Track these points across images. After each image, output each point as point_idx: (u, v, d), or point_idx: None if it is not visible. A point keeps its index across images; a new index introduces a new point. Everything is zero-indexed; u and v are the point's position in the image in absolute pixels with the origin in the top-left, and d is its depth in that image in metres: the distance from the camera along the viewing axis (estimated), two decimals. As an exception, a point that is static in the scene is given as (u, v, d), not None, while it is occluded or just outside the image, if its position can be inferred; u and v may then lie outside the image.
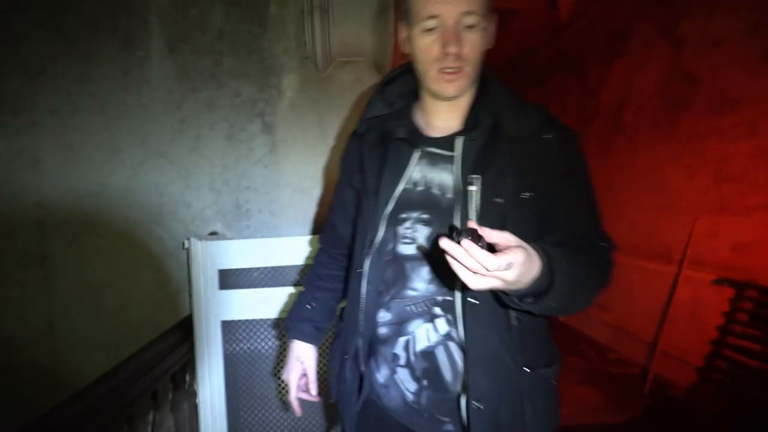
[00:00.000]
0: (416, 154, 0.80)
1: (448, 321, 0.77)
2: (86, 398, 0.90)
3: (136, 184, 1.57)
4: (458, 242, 0.53)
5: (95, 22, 1.52)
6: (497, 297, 0.70)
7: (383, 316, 0.81)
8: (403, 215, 0.79)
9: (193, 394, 1.33)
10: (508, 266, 0.55)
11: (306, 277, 1.03)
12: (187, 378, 1.33)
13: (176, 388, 1.25)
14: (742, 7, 2.24)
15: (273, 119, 1.59)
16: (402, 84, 0.87)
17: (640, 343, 2.98)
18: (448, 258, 0.56)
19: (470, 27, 0.72)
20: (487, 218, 0.71)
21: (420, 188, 0.79)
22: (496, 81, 0.81)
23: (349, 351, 0.84)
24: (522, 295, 0.63)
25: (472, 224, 0.56)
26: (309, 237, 1.38)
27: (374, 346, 0.83)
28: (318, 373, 0.97)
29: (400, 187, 0.79)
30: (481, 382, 0.72)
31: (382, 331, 0.82)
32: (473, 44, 0.73)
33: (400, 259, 0.79)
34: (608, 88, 3.42)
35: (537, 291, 0.62)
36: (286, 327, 0.98)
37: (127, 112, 1.55)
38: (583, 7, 3.44)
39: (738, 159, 2.30)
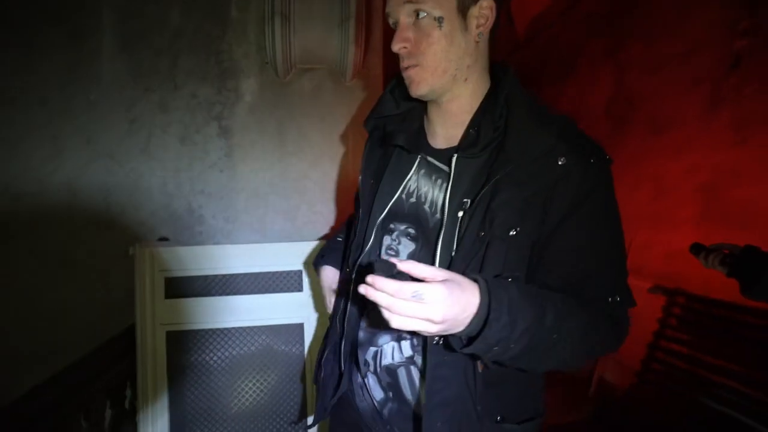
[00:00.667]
0: (416, 162, 0.75)
1: (413, 345, 0.75)
2: (6, 418, 0.84)
3: (79, 185, 1.48)
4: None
5: (41, 9, 1.43)
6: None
7: (364, 321, 0.82)
8: (392, 225, 0.77)
9: (133, 412, 1.26)
10: (416, 295, 0.48)
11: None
12: (128, 394, 1.25)
13: (114, 405, 1.18)
14: (678, 34, 2.46)
15: (230, 123, 1.55)
16: None
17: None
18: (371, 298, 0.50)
19: (418, 18, 0.66)
20: (467, 251, 0.64)
21: (412, 200, 0.75)
22: (510, 88, 0.69)
23: (330, 345, 0.86)
24: (464, 335, 0.55)
25: (394, 260, 0.51)
26: (264, 244, 1.36)
27: (355, 347, 0.83)
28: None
29: (396, 195, 0.76)
30: (438, 429, 0.66)
31: (361, 335, 0.82)
32: (424, 36, 0.66)
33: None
34: (561, 105, 3.62)
35: (470, 334, 0.54)
36: (321, 254, 0.99)
37: (73, 109, 1.46)
38: (539, 27, 3.63)
39: (671, 175, 2.51)
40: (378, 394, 0.80)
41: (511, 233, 0.63)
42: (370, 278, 0.48)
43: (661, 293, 2.38)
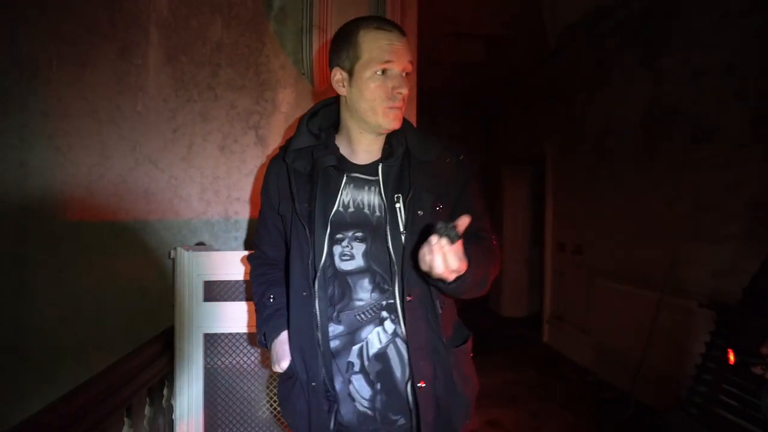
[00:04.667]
0: (344, 180, 0.90)
1: (392, 320, 0.89)
2: (57, 412, 0.87)
3: (123, 191, 1.55)
4: (445, 236, 0.69)
5: (94, 27, 1.53)
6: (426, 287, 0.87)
7: (333, 329, 0.89)
8: (339, 235, 0.89)
9: (170, 410, 1.29)
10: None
11: (254, 282, 1.04)
12: (165, 392, 1.29)
13: (153, 403, 1.21)
14: (716, 46, 2.37)
15: (267, 132, 1.60)
16: (323, 117, 0.98)
17: (621, 367, 3.01)
18: (431, 250, 0.70)
19: (408, 74, 0.88)
20: (413, 227, 0.86)
21: (351, 210, 0.90)
22: (403, 117, 0.95)
23: (316, 375, 0.87)
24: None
25: (460, 223, 0.71)
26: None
27: (328, 360, 0.88)
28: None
29: (334, 209, 0.88)
30: (421, 366, 0.85)
31: (334, 343, 0.89)
32: (408, 88, 0.89)
33: (342, 275, 0.89)
34: (592, 116, 3.54)
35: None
36: (263, 333, 0.98)
37: (120, 119, 1.55)
38: (570, 37, 3.58)
39: (713, 189, 2.39)
40: (366, 392, 0.88)
41: (437, 209, 0.88)
42: (435, 239, 0.69)
43: (710, 309, 2.25)
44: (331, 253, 0.88)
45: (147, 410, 1.18)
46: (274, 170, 0.97)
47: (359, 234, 0.89)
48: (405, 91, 0.87)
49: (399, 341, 0.89)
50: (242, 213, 1.59)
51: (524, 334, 4.53)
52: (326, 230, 0.87)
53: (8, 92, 1.49)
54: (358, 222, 0.89)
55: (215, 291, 1.33)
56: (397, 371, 0.89)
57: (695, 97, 2.52)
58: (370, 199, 0.90)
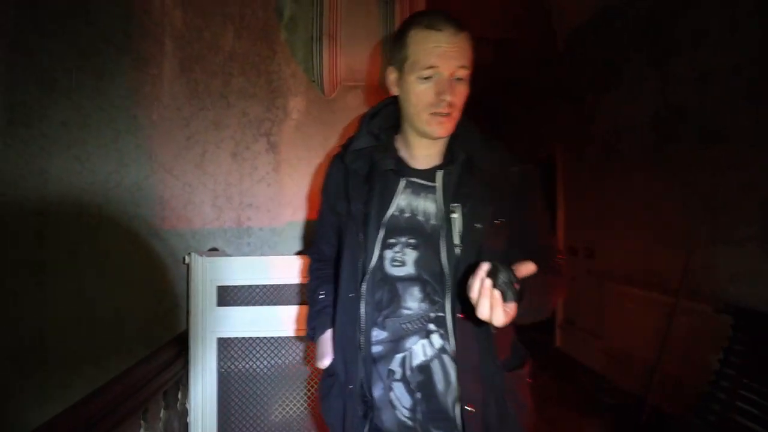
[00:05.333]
0: (402, 183, 0.87)
1: (441, 335, 0.84)
2: (75, 415, 0.89)
3: (139, 198, 1.59)
4: (497, 284, 0.63)
5: (110, 39, 1.57)
6: None
7: (377, 334, 0.86)
8: (392, 240, 0.86)
9: (185, 413, 1.31)
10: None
11: (309, 276, 1.06)
12: (179, 395, 1.31)
13: (168, 406, 1.23)
14: (724, 47, 2.35)
15: (278, 139, 1.62)
16: (384, 117, 0.94)
17: (636, 373, 2.96)
18: (479, 294, 0.65)
19: (460, 79, 0.82)
20: (467, 241, 0.82)
21: (406, 215, 0.86)
22: (468, 121, 0.90)
23: (354, 378, 0.86)
24: None
25: (521, 270, 0.66)
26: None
27: (368, 365, 0.86)
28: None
29: (389, 213, 0.86)
30: (471, 388, 0.81)
31: (377, 349, 0.86)
32: (462, 94, 0.83)
33: (392, 281, 0.86)
34: (602, 117, 3.51)
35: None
36: (312, 327, 1.00)
37: (136, 128, 1.58)
38: (578, 39, 3.57)
39: (727, 190, 2.35)
40: (406, 401, 0.85)
41: (497, 222, 0.83)
42: (487, 282, 0.65)
43: (727, 314, 2.21)
44: (381, 257, 0.85)
45: (162, 413, 1.20)
46: (333, 169, 0.96)
47: (412, 240, 0.86)
48: (450, 98, 0.80)
49: (446, 358, 0.84)
50: (254, 219, 1.62)
51: (536, 338, 4.49)
52: (379, 233, 0.85)
53: (29, 103, 1.54)
54: (412, 228, 0.86)
55: (229, 296, 1.35)
56: (440, 385, 0.85)
57: (702, 98, 2.49)
58: (426, 206, 0.86)
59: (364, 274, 0.84)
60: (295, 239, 1.62)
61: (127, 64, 1.58)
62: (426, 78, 0.81)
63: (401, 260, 0.86)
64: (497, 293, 0.64)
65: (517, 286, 0.64)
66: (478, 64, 0.87)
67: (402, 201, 0.87)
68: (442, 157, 0.89)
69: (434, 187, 0.86)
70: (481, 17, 3.40)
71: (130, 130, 1.58)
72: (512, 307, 0.66)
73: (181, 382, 1.32)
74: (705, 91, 2.47)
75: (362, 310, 0.84)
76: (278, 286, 1.36)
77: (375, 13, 1.47)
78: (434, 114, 0.82)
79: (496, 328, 0.78)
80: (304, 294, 1.36)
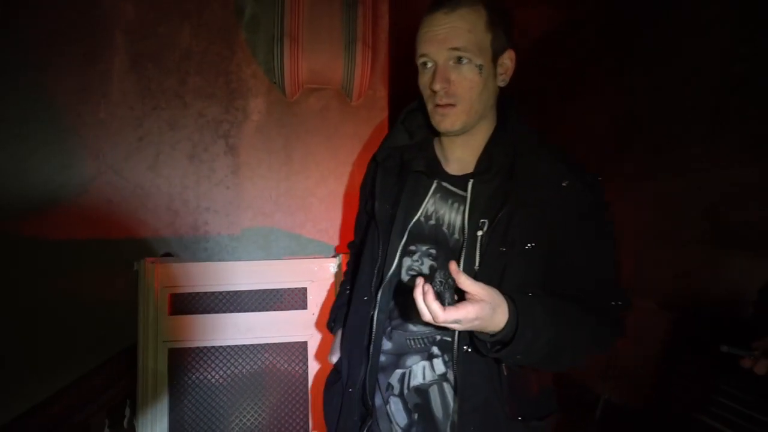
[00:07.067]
0: (433, 186, 0.81)
1: (444, 362, 0.77)
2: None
3: (86, 201, 1.49)
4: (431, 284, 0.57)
5: (56, 31, 1.47)
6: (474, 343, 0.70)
7: (384, 344, 0.82)
8: (413, 247, 0.80)
9: (132, 431, 1.23)
10: (455, 322, 0.57)
11: (347, 267, 1.05)
12: (127, 413, 1.23)
13: (113, 424, 1.16)
14: (674, 60, 2.51)
15: (237, 141, 1.57)
16: (424, 115, 0.84)
17: (593, 369, 3.08)
18: (415, 295, 0.58)
19: (460, 63, 0.72)
20: (489, 265, 0.70)
21: (431, 222, 0.80)
22: (517, 119, 0.80)
23: (354, 382, 0.83)
24: (492, 342, 0.64)
25: (453, 267, 0.58)
26: (269, 261, 1.35)
27: (372, 373, 0.83)
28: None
29: (415, 218, 0.80)
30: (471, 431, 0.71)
31: (384, 359, 0.82)
32: (465, 80, 0.72)
33: (406, 291, 0.78)
34: (564, 127, 3.65)
35: (502, 341, 0.63)
36: (332, 319, 0.99)
37: (82, 126, 1.49)
38: (543, 49, 3.70)
39: (673, 195, 2.51)
40: (402, 419, 0.79)
41: (527, 247, 0.70)
42: (423, 288, 0.57)
43: (669, 311, 2.35)
44: (400, 264, 0.79)
45: (107, 432, 1.13)
46: (370, 167, 0.91)
47: (432, 251, 0.78)
48: (439, 86, 0.71)
49: (447, 387, 0.76)
50: (212, 224, 1.56)
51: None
52: (402, 239, 0.78)
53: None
54: (434, 238, 0.78)
55: (182, 304, 1.29)
56: (438, 412, 0.77)
57: (655, 109, 2.65)
58: (452, 217, 0.77)
59: (381, 280, 0.79)
60: (255, 244, 1.57)
61: (74, 58, 1.48)
62: (425, 67, 0.75)
63: (418, 269, 0.79)
64: (430, 289, 0.57)
65: (453, 293, 0.60)
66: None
67: (430, 206, 0.80)
68: (476, 163, 0.78)
69: (464, 198, 0.76)
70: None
71: (74, 128, 1.48)
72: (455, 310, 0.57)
73: (129, 396, 1.24)
74: (656, 102, 2.63)
75: (374, 316, 0.80)
76: (236, 292, 1.32)
77: (338, 15, 1.45)
78: (436, 106, 0.75)
79: (509, 370, 0.71)
80: (265, 299, 1.33)
